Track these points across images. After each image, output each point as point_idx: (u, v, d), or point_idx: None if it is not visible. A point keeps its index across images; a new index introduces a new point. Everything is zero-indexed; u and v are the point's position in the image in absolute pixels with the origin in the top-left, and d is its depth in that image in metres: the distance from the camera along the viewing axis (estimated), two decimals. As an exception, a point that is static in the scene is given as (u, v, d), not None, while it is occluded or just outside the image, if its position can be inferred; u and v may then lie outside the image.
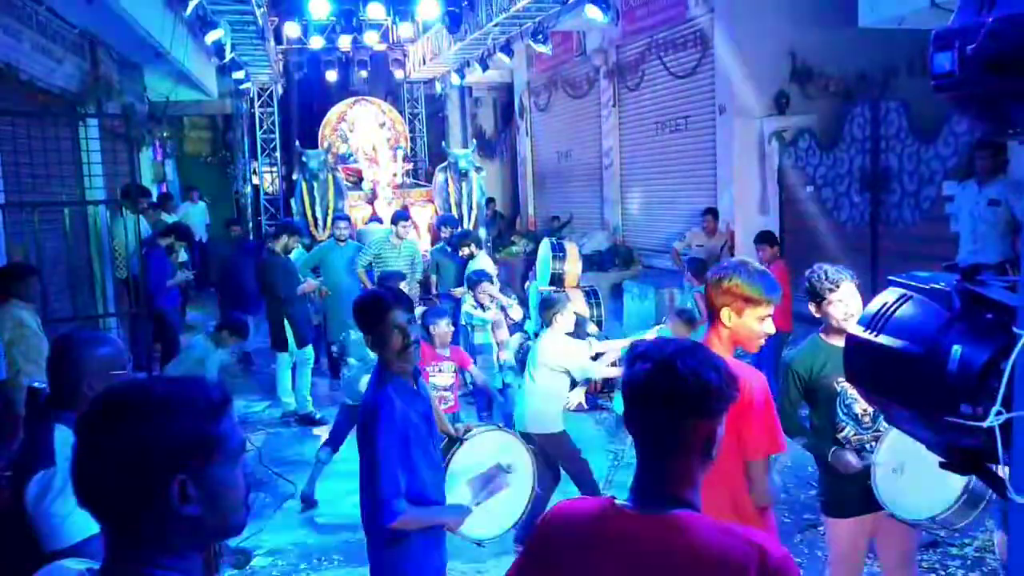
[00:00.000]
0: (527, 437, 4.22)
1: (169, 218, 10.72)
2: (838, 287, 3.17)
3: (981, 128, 1.52)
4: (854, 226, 8.92)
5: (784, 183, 9.92)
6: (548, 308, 5.16)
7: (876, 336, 1.52)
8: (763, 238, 7.31)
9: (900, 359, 1.43)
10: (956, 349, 1.34)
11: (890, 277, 1.59)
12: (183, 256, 9.25)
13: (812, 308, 3.33)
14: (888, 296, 1.56)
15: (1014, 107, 1.31)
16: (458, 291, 7.88)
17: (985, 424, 1.23)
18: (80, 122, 7.72)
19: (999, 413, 1.22)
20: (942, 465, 1.45)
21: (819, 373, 3.18)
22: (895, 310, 1.51)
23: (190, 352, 6.18)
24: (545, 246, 8.60)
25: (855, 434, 3.16)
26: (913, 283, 1.53)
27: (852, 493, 3.09)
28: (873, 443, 3.07)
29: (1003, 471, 1.27)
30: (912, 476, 2.88)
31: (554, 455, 4.73)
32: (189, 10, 8.66)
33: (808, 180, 9.53)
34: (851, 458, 3.09)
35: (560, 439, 4.80)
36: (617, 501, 1.56)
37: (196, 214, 13.46)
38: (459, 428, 3.40)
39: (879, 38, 7.84)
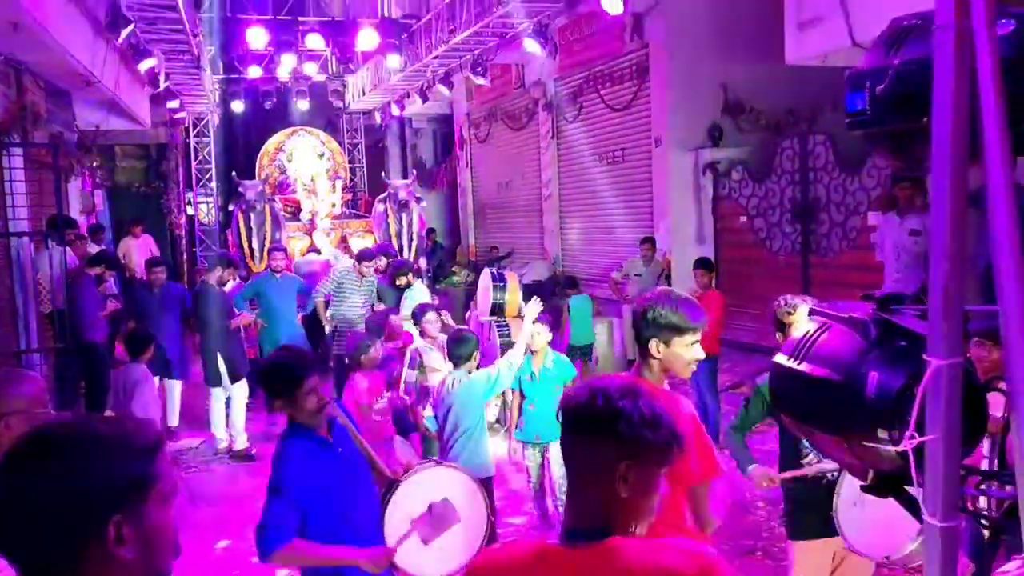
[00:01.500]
0: None
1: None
2: (795, 310, 3.27)
3: (893, 164, 1.59)
4: (786, 255, 9.19)
5: (718, 213, 10.18)
6: (461, 345, 4.76)
7: (799, 364, 1.56)
8: (700, 264, 7.50)
9: (821, 386, 1.48)
10: (873, 376, 1.38)
11: (811, 307, 1.64)
12: (112, 288, 8.98)
13: (779, 338, 3.39)
14: (810, 326, 1.62)
15: (920, 144, 1.38)
16: (394, 319, 7.88)
17: (899, 448, 1.28)
18: (3, 151, 7.47)
19: (912, 437, 1.26)
20: (863, 488, 1.49)
21: None
22: (816, 339, 1.56)
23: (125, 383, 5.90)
24: (486, 276, 8.62)
25: (818, 462, 3.25)
26: (833, 312, 1.58)
27: (817, 516, 3.15)
28: (836, 472, 3.16)
29: (918, 493, 1.31)
30: (871, 511, 2.95)
31: None
32: (121, 38, 8.49)
33: (741, 210, 9.79)
34: (760, 472, 3.25)
35: (488, 484, 4.50)
36: (549, 541, 1.56)
37: (137, 249, 12.50)
38: (397, 470, 3.34)
39: (805, 74, 8.15)
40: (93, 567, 1.13)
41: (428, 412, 5.32)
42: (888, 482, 1.43)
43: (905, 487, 1.41)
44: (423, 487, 3.31)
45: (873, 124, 1.49)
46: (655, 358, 2.56)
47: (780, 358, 1.62)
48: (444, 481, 3.41)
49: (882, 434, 1.33)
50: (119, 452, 1.15)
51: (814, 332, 1.57)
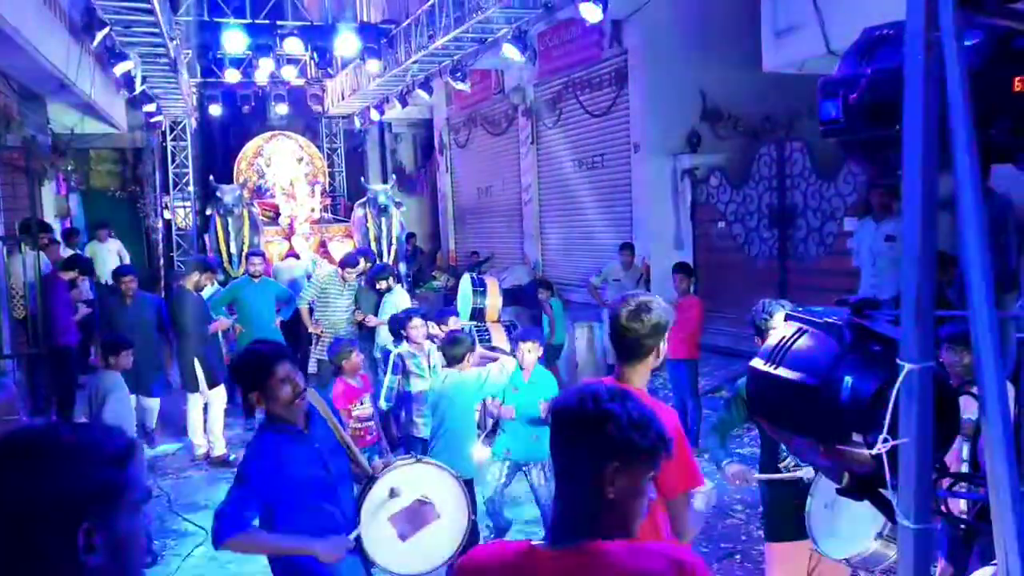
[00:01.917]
0: None
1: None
2: (772, 316, 3.31)
3: (866, 170, 1.62)
4: (764, 260, 9.26)
5: (697, 219, 10.25)
6: (456, 345, 4.82)
7: (775, 368, 1.58)
8: (679, 268, 7.54)
9: (797, 390, 1.49)
10: (847, 380, 1.40)
11: (787, 312, 1.66)
12: (87, 292, 8.86)
13: (758, 342, 3.42)
14: (786, 330, 1.63)
15: (893, 151, 1.40)
16: (372, 320, 7.87)
17: (874, 451, 1.29)
18: (-24, 154, 7.38)
19: (886, 440, 1.28)
20: (838, 491, 1.51)
21: None
22: (792, 343, 1.57)
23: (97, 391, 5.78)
24: (466, 281, 8.64)
25: (794, 465, 3.31)
26: (808, 317, 1.60)
27: (794, 518, 3.18)
28: (812, 475, 3.19)
29: (892, 495, 1.33)
30: (838, 513, 3.00)
31: None
32: (97, 41, 8.41)
33: (720, 216, 9.87)
34: (737, 469, 3.30)
35: (471, 486, 4.52)
36: (534, 542, 1.57)
37: (105, 253, 12.00)
38: (376, 465, 3.33)
39: (782, 82, 8.25)
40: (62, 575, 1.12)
41: (421, 420, 5.33)
42: (863, 485, 1.45)
43: (880, 490, 1.43)
44: (402, 484, 3.27)
45: (846, 132, 1.52)
46: (653, 360, 2.61)
47: (756, 362, 1.64)
48: (424, 478, 3.36)
49: (856, 437, 1.35)
50: (89, 459, 1.14)
51: (790, 337, 1.59)
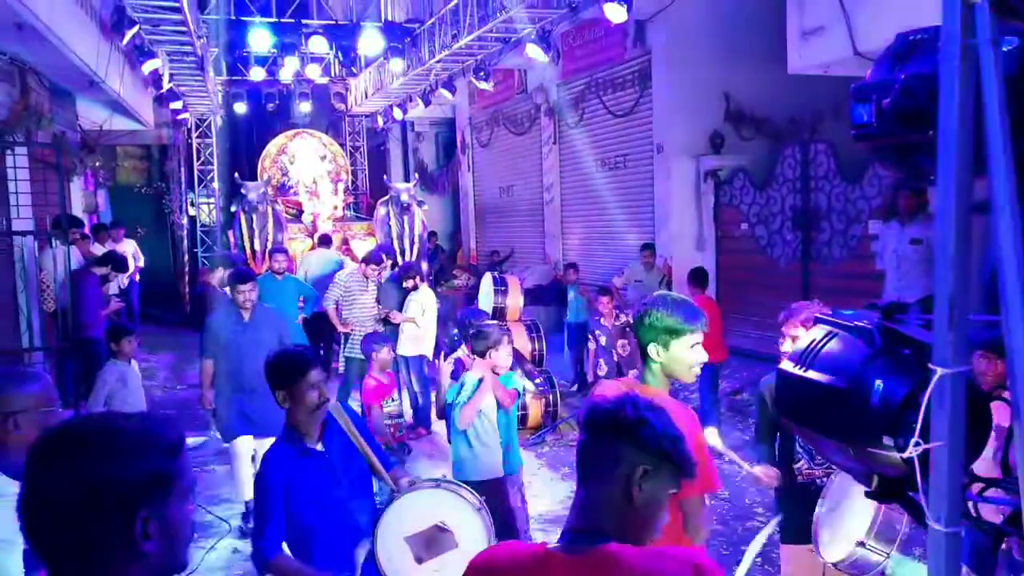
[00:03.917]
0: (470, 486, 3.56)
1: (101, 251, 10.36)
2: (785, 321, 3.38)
3: (897, 175, 1.62)
4: (787, 262, 9.20)
5: (719, 220, 10.20)
6: (481, 339, 4.55)
7: (805, 371, 1.58)
8: (689, 276, 7.53)
9: (827, 393, 1.50)
10: (878, 384, 1.41)
11: (816, 315, 1.67)
12: (117, 286, 8.99)
13: (784, 344, 3.48)
14: (816, 333, 1.64)
15: (925, 157, 1.40)
16: (397, 316, 7.92)
17: (904, 455, 1.30)
18: (8, 151, 7.50)
19: (917, 444, 1.28)
20: (867, 494, 1.52)
21: None
22: (822, 347, 1.58)
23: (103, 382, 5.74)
24: (487, 280, 8.66)
25: (808, 468, 3.32)
26: (838, 321, 1.60)
27: (807, 521, 3.14)
28: (824, 479, 3.18)
29: (922, 499, 1.33)
30: (838, 518, 3.00)
31: (492, 504, 3.63)
32: (126, 39, 8.53)
33: (743, 218, 9.82)
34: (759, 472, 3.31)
35: (497, 486, 4.37)
36: (549, 545, 1.57)
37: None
38: (402, 483, 3.28)
39: (808, 83, 8.19)
40: (119, 561, 1.16)
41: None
42: (892, 488, 1.45)
43: (909, 493, 1.44)
44: (421, 506, 3.15)
45: (879, 136, 1.52)
46: (656, 362, 2.55)
47: (786, 365, 1.64)
48: (444, 504, 3.21)
49: (887, 441, 1.35)
50: (147, 449, 1.18)
51: (820, 340, 1.60)
